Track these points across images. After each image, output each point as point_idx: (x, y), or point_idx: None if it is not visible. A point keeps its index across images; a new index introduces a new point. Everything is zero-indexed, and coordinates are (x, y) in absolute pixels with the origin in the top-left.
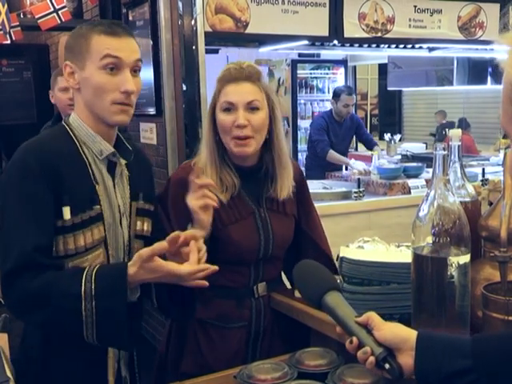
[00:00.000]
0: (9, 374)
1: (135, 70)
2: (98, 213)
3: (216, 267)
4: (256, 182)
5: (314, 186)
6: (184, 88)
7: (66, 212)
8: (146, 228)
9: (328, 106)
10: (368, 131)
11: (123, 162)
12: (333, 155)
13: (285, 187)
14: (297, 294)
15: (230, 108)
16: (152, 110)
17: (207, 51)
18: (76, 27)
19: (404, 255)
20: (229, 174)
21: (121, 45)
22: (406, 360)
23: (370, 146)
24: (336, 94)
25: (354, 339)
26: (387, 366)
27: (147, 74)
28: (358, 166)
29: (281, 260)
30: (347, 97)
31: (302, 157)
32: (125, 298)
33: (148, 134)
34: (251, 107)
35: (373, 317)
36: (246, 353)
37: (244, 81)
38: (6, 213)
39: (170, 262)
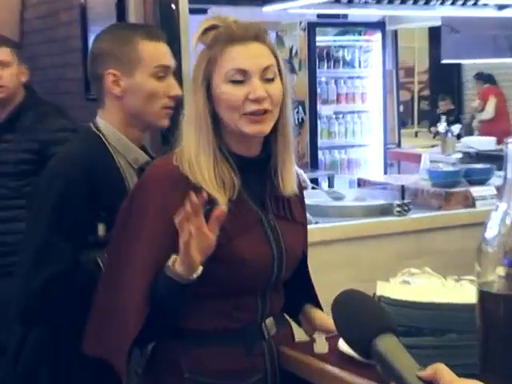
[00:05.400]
0: None
1: None
2: None
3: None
4: (259, 178)
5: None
6: None
7: (101, 229)
8: None
9: (359, 85)
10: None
11: None
12: None
13: (288, 181)
14: (318, 347)
15: (239, 78)
16: None
17: (191, 11)
18: (107, 31)
19: (466, 293)
20: (227, 170)
21: (166, 50)
22: None
23: None
24: None
25: None
26: None
27: None
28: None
29: (282, 286)
30: None
31: (323, 156)
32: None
33: None
34: (266, 76)
35: (443, 371)
36: None
37: (253, 41)
38: (41, 219)
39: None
